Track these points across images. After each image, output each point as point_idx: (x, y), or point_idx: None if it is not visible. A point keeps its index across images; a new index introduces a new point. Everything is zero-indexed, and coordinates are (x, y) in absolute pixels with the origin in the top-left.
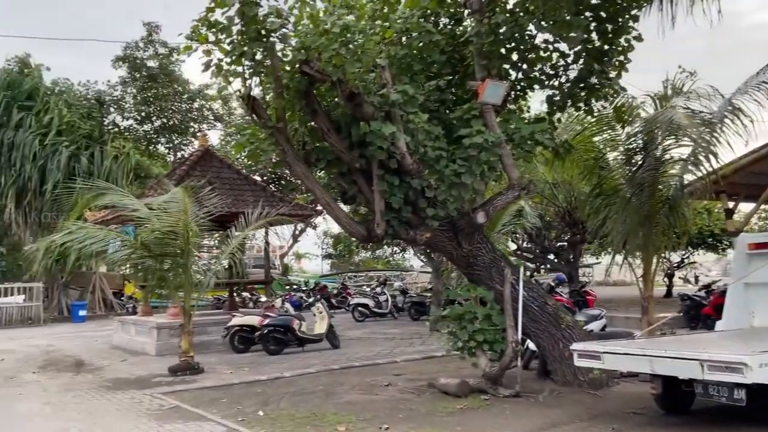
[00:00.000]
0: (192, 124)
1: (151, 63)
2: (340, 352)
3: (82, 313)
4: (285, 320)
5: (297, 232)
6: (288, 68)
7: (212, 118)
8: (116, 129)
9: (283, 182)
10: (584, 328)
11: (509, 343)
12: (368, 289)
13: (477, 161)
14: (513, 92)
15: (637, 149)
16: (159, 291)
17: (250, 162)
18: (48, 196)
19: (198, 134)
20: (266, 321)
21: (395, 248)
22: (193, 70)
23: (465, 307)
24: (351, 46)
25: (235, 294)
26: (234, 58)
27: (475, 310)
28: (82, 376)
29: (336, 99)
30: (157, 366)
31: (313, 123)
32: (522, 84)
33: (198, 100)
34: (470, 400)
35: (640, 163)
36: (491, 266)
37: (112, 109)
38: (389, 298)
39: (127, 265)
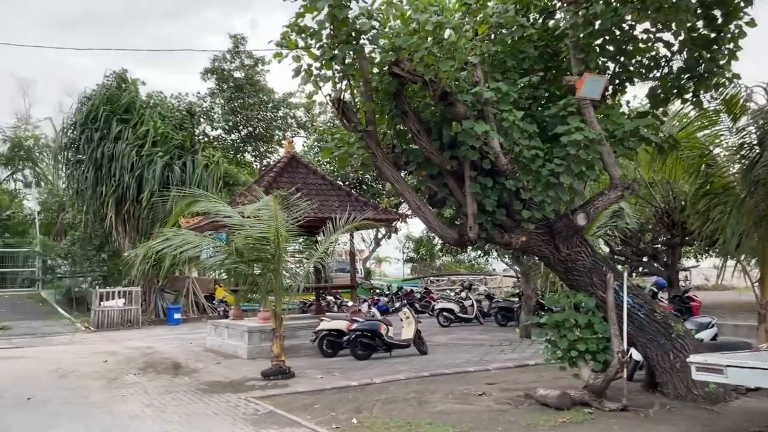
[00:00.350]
0: (276, 132)
1: (237, 74)
2: (428, 358)
3: (177, 316)
4: (373, 325)
5: (379, 237)
6: (377, 70)
7: (296, 125)
8: (206, 139)
9: (364, 187)
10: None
11: (614, 353)
12: (452, 294)
13: (576, 160)
14: (611, 86)
15: (752, 144)
16: (251, 295)
17: (338, 167)
18: (145, 204)
19: (283, 142)
20: (354, 326)
21: (479, 251)
22: (277, 79)
23: (564, 314)
24: (443, 44)
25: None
26: (324, 62)
27: (576, 318)
28: (179, 379)
29: (426, 100)
30: (249, 369)
31: (402, 125)
32: (621, 77)
33: (282, 108)
34: (573, 414)
35: (755, 158)
36: (592, 271)
37: (202, 120)
38: (474, 303)
39: (221, 270)
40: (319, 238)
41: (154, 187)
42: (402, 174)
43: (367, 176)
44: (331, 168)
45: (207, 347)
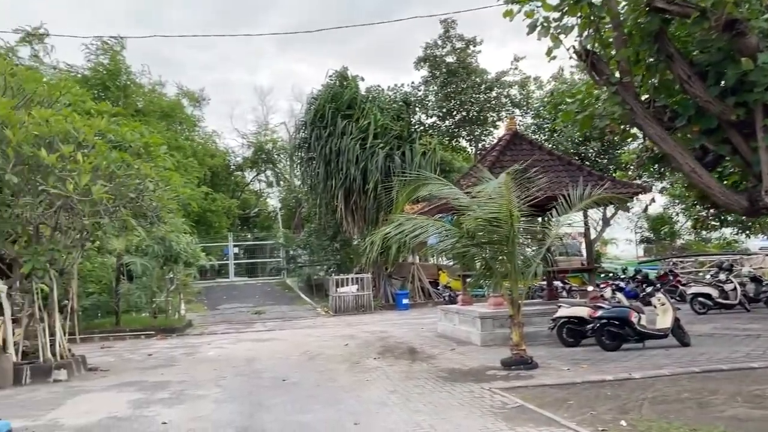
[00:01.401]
0: (490, 114)
1: (449, 59)
2: (691, 350)
3: (405, 301)
4: (621, 312)
5: (608, 216)
6: (631, 10)
7: (510, 105)
8: (422, 127)
9: (587, 163)
10: None
11: None
12: (707, 276)
13: None
14: None
15: None
16: (484, 281)
17: (579, 129)
18: (370, 194)
19: (504, 118)
20: (599, 313)
21: (734, 228)
22: (488, 59)
23: None
24: None
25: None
26: (567, 7)
27: None
28: (418, 365)
29: (699, 37)
30: (485, 357)
31: (665, 73)
32: None
33: (495, 88)
34: None
35: None
36: None
37: (417, 109)
38: (737, 286)
39: (450, 255)
40: (549, 218)
41: (378, 178)
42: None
43: (591, 150)
44: (557, 143)
45: (438, 333)
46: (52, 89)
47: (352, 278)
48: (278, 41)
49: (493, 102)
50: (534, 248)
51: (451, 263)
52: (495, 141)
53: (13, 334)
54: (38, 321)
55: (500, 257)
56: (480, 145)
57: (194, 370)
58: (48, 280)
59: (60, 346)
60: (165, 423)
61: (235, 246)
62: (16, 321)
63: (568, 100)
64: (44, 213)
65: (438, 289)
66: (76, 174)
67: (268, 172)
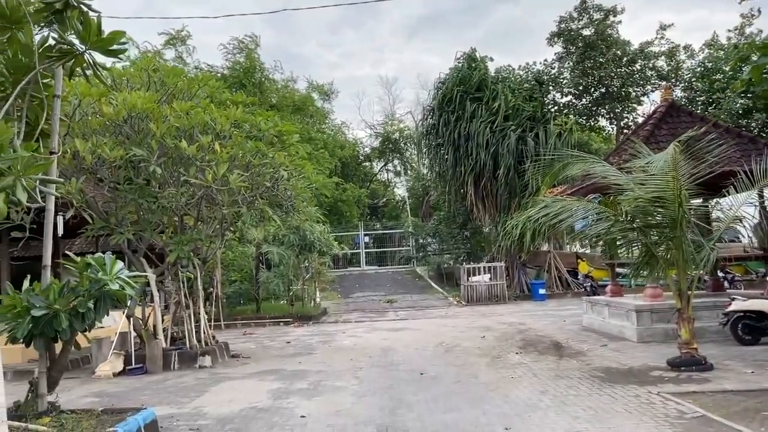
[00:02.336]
0: (633, 88)
1: (586, 32)
2: None
3: (541, 291)
4: None
5: None
6: None
7: (656, 77)
8: (556, 107)
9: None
10: None
11: None
12: None
13: None
14: None
15: None
16: (644, 270)
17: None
18: (501, 179)
19: (643, 97)
20: None
21: None
22: (630, 29)
23: None
24: None
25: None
26: None
27: None
28: (566, 362)
29: None
30: (644, 355)
31: None
32: None
33: (639, 60)
34: None
35: None
36: None
37: (550, 88)
38: None
39: (598, 242)
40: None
41: (510, 162)
42: None
43: (754, 122)
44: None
45: (584, 326)
46: (191, 83)
47: (484, 267)
48: (404, 33)
49: (637, 75)
50: (701, 233)
51: (590, 251)
52: (647, 115)
53: (162, 320)
54: (184, 308)
55: (665, 242)
56: (622, 123)
57: (331, 359)
58: (192, 269)
59: (204, 332)
60: (303, 417)
61: (365, 235)
62: (166, 308)
63: (755, 50)
64: (187, 203)
65: (577, 279)
66: (214, 164)
67: (396, 162)
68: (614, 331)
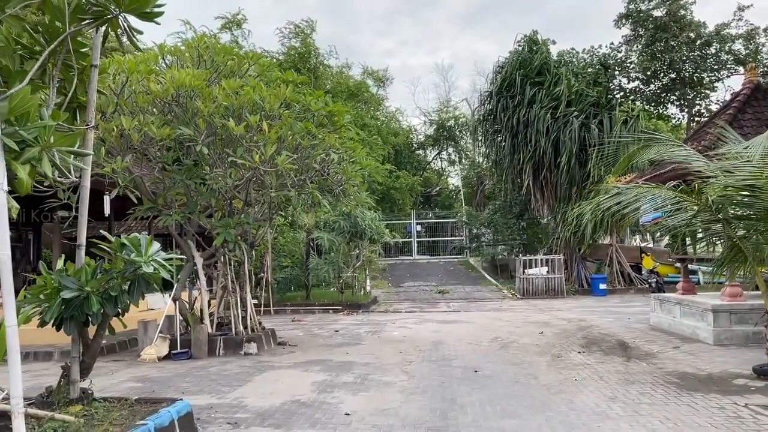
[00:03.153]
0: (707, 73)
1: (657, 12)
2: None
3: (602, 286)
4: None
5: None
6: None
7: (732, 62)
8: (622, 92)
9: None
10: None
11: None
12: None
13: None
14: None
15: None
16: (729, 267)
17: None
18: (562, 168)
19: (718, 83)
20: None
21: None
22: (706, 10)
23: None
24: None
25: None
26: None
27: None
28: (635, 364)
29: None
30: (724, 360)
31: None
32: None
33: (714, 43)
34: None
35: None
36: None
37: (616, 72)
38: None
39: (677, 234)
40: None
41: (572, 149)
42: None
43: None
44: None
45: (651, 325)
46: (241, 60)
47: (542, 259)
48: (460, 21)
49: (711, 60)
50: None
51: (653, 245)
52: (731, 95)
53: (209, 305)
54: (231, 293)
55: (755, 236)
56: (694, 110)
57: (379, 351)
58: (239, 253)
59: (251, 318)
60: (348, 414)
61: (417, 224)
62: (214, 292)
63: None
64: (235, 186)
65: (641, 275)
66: (262, 144)
67: (450, 150)
68: (687, 332)
